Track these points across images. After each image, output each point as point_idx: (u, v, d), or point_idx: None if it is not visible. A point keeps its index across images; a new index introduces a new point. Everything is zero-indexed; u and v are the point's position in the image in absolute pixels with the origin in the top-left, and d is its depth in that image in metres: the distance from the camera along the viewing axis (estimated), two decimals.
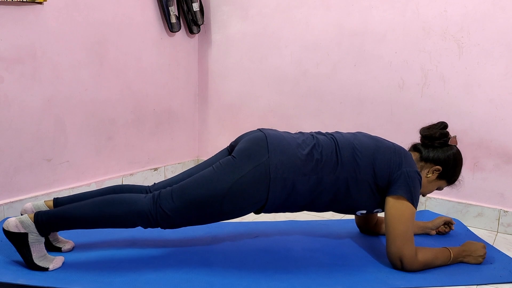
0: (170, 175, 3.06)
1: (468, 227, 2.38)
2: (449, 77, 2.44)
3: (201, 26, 3.14)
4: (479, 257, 1.92)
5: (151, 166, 2.97)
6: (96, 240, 1.98)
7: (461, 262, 1.92)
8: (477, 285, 1.77)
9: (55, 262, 1.70)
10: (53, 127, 2.39)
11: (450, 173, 1.96)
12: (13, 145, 2.23)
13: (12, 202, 2.24)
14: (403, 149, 1.92)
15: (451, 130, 1.98)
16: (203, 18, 3.08)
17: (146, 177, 2.91)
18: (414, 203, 1.80)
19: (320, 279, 1.74)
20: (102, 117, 2.62)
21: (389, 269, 1.83)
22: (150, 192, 1.90)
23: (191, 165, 3.23)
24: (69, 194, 2.44)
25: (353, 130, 2.72)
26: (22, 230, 1.64)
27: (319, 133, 1.92)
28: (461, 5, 2.38)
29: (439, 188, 2.01)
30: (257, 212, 1.83)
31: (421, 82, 2.52)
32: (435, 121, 2.02)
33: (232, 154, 1.78)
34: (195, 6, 3.01)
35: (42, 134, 2.34)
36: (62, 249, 1.86)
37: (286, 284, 1.69)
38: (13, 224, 1.64)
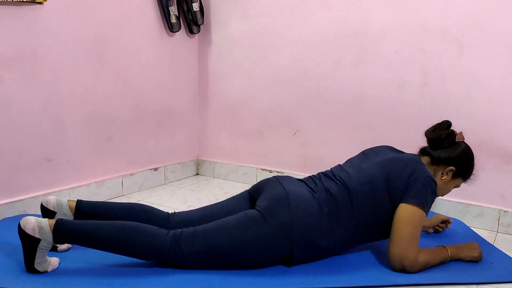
0: (170, 175, 3.06)
1: (469, 227, 2.38)
2: (449, 77, 2.44)
3: (201, 26, 3.14)
4: (475, 252, 1.93)
5: (151, 166, 2.97)
6: None
7: (459, 260, 1.92)
8: (477, 284, 1.77)
9: (52, 265, 1.71)
10: (53, 127, 2.39)
11: (465, 170, 1.95)
12: (13, 145, 2.23)
13: (12, 202, 2.24)
14: (413, 157, 1.88)
15: None
16: (203, 18, 3.08)
17: (146, 177, 2.91)
18: (425, 208, 1.79)
19: (320, 278, 1.74)
20: (102, 117, 2.62)
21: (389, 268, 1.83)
22: (169, 221, 1.91)
23: (191, 165, 3.23)
24: (69, 194, 2.46)
25: (353, 130, 2.73)
26: (37, 236, 1.63)
27: (326, 177, 1.92)
28: (461, 5, 2.37)
29: (457, 186, 2.00)
30: (288, 265, 1.84)
31: (421, 82, 2.52)
32: (435, 121, 2.02)
33: (256, 207, 1.80)
34: (195, 6, 3.01)
35: (42, 134, 2.34)
36: (58, 248, 1.86)
37: (286, 284, 1.69)
38: (30, 226, 1.63)
